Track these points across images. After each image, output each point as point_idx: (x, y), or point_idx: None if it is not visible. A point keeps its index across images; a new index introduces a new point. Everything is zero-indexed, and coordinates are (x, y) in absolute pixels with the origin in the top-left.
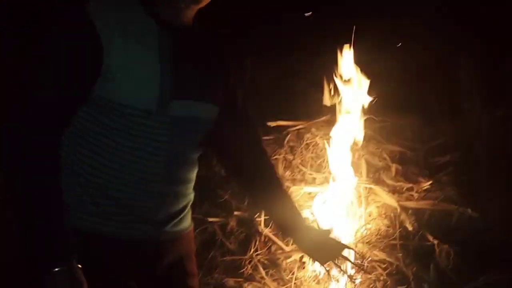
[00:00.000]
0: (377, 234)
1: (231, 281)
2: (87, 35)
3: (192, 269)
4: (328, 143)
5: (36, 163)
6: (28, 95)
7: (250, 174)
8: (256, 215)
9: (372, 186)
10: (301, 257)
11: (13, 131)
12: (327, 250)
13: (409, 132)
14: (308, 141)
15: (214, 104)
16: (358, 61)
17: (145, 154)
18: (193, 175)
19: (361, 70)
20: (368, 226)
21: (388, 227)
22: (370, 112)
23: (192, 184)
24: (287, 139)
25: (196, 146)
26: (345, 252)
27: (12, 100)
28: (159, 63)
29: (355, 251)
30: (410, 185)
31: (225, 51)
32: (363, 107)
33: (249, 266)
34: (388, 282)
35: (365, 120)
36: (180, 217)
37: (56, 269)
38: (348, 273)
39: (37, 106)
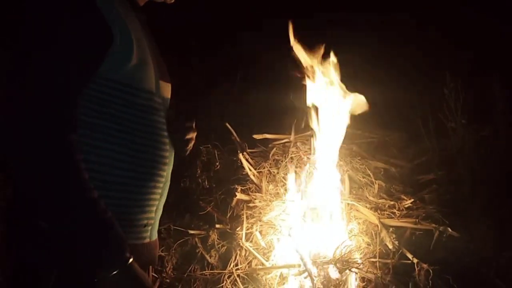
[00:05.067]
0: (357, 251)
1: None
2: (95, 14)
3: None
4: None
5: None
6: (44, 77)
7: None
8: (238, 228)
9: (354, 202)
10: (281, 274)
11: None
12: None
13: (394, 149)
14: (292, 155)
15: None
16: (343, 78)
17: (154, 136)
18: None
19: (346, 87)
20: (348, 243)
21: (368, 244)
22: (356, 128)
23: None
24: (272, 152)
25: None
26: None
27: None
28: (146, 42)
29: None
30: (392, 202)
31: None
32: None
33: (228, 281)
34: None
35: (350, 136)
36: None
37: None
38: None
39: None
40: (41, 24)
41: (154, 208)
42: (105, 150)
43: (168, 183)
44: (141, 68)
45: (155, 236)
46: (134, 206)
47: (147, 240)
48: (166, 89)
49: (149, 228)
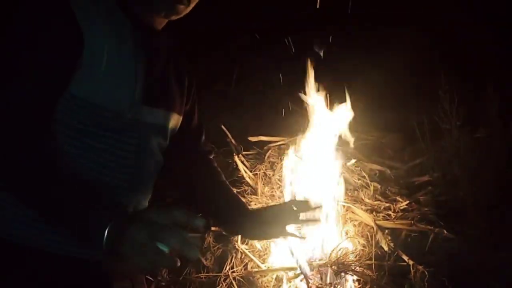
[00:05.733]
0: (353, 253)
1: None
2: (67, 21)
3: None
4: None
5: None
6: (6, 96)
7: (193, 182)
8: None
9: (350, 204)
10: (277, 276)
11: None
12: (276, 225)
13: (389, 151)
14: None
15: (179, 115)
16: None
17: (113, 157)
18: (152, 186)
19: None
20: (344, 245)
21: (364, 246)
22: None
23: (150, 196)
24: (267, 154)
25: (160, 155)
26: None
27: None
28: (134, 64)
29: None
30: (388, 204)
31: (187, 62)
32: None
33: (224, 284)
34: None
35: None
36: None
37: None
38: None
39: (20, 107)
40: (19, 30)
41: None
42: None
43: (131, 208)
44: (109, 88)
45: None
46: None
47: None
48: (155, 115)
49: None
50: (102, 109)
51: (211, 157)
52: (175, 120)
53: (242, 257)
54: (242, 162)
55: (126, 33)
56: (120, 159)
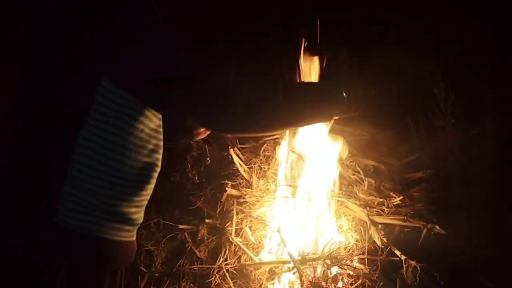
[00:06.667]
0: (346, 247)
1: None
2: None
3: None
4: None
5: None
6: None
7: None
8: (228, 224)
9: (344, 199)
10: (270, 269)
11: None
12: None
13: (384, 147)
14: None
15: None
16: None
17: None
18: None
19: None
20: (337, 239)
21: (357, 241)
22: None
23: None
24: (263, 148)
25: None
26: None
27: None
28: None
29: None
30: (381, 199)
31: None
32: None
33: (217, 276)
34: None
35: (340, 134)
36: None
37: None
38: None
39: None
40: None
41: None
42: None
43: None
44: None
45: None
46: (132, 206)
47: (134, 238)
48: None
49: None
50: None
51: None
52: None
53: (236, 249)
54: (237, 155)
55: None
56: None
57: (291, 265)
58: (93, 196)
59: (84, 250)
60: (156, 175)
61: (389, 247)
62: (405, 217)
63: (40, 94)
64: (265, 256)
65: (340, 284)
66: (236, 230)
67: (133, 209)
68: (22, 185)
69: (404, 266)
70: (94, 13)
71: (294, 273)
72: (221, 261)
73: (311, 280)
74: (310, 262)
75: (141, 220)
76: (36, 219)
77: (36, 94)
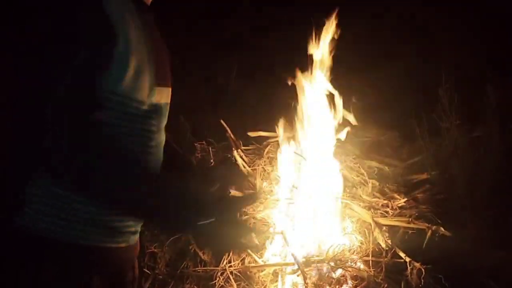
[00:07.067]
0: (350, 249)
1: None
2: (103, 19)
3: None
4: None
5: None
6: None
7: None
8: None
9: (348, 201)
10: (274, 271)
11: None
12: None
13: (388, 149)
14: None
15: (171, 89)
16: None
17: (139, 146)
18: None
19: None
20: (342, 241)
21: (361, 243)
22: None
23: None
24: (266, 150)
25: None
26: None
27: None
28: (146, 46)
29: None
30: (386, 201)
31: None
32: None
33: (221, 278)
34: None
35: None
36: None
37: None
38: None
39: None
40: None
41: None
42: None
43: None
44: (135, 78)
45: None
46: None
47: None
48: (163, 94)
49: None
50: (129, 98)
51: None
52: (170, 95)
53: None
54: (241, 157)
55: (135, 15)
56: (142, 147)
57: (295, 267)
58: (62, 200)
59: (52, 255)
60: None
61: (393, 249)
62: (410, 219)
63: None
64: (269, 258)
65: (344, 286)
66: None
67: (114, 217)
68: None
69: (409, 268)
70: None
71: (298, 275)
72: (225, 263)
73: (315, 282)
74: (315, 264)
75: (129, 227)
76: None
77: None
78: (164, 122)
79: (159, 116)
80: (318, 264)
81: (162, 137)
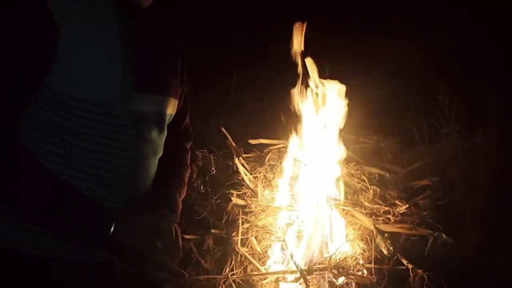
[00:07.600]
0: (352, 257)
1: None
2: (38, 12)
3: None
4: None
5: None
6: None
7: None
8: (234, 234)
9: (349, 208)
10: (277, 279)
11: None
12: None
13: (388, 155)
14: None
15: (175, 98)
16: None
17: (107, 157)
18: (153, 173)
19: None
20: (344, 249)
21: (363, 250)
22: (350, 133)
23: (150, 182)
24: (267, 157)
25: (160, 142)
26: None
27: None
28: (119, 49)
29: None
30: (387, 208)
31: (180, 42)
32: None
33: (224, 286)
34: None
35: (345, 142)
36: None
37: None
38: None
39: None
40: None
41: None
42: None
43: (136, 197)
44: (81, 76)
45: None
46: None
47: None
48: (151, 102)
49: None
50: (86, 102)
51: (188, 144)
52: (172, 105)
53: (242, 259)
54: (242, 164)
55: (109, 17)
56: (114, 159)
57: (298, 275)
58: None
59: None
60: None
61: (395, 256)
62: (412, 226)
63: None
64: (271, 266)
65: None
66: (242, 240)
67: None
68: None
69: (411, 275)
70: None
71: (300, 283)
72: (227, 271)
73: None
74: (317, 272)
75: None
76: None
77: None
78: (152, 132)
79: (140, 124)
80: (321, 272)
81: (150, 148)
